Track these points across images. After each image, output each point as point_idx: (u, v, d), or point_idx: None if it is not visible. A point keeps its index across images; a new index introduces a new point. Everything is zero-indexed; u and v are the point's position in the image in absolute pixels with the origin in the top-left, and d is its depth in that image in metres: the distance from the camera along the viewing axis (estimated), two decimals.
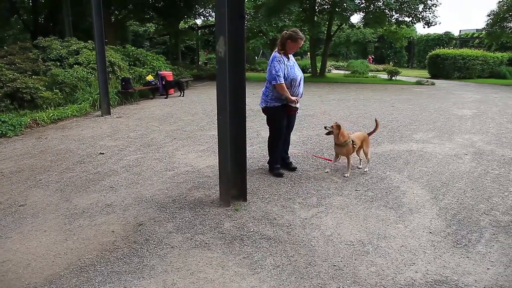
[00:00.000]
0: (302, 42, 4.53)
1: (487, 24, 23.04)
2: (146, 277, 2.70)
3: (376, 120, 5.19)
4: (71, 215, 3.71)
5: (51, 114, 8.53)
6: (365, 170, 4.96)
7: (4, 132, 6.99)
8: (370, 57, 39.87)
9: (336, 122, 4.74)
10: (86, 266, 2.83)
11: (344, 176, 4.75)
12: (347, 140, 4.67)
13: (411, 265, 2.83)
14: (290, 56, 4.63)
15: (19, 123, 7.44)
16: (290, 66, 4.50)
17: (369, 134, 5.13)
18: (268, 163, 5.02)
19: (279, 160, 4.92)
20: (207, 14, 25.34)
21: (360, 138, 4.93)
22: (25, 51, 10.98)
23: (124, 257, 2.95)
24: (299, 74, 4.59)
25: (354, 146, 4.74)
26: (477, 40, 31.99)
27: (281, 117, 4.67)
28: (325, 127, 4.80)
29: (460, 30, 37.26)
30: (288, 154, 5.17)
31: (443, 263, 2.87)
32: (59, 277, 2.70)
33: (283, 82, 4.42)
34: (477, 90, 16.41)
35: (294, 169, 5.04)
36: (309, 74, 25.17)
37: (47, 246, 3.11)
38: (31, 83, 9.02)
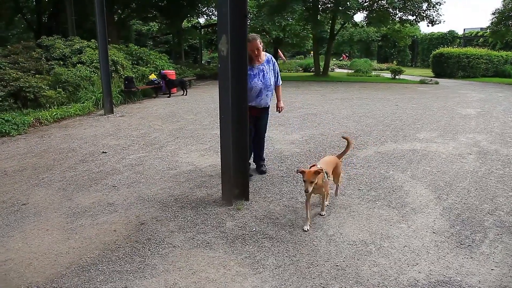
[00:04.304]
0: (253, 46, 4.23)
1: (491, 23, 22.84)
2: (147, 276, 2.69)
3: (347, 139, 4.01)
4: (73, 214, 3.71)
5: (54, 113, 8.56)
6: (335, 195, 4.03)
7: (7, 131, 7.02)
8: (344, 55, 40.77)
9: (315, 170, 3.26)
10: (88, 265, 2.83)
11: (303, 230, 3.38)
12: (323, 178, 3.42)
13: (414, 266, 2.81)
14: (263, 64, 4.45)
15: (22, 122, 7.47)
16: (252, 75, 4.34)
17: (339, 156, 3.97)
18: None
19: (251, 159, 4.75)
20: (210, 13, 25.31)
21: (330, 164, 3.72)
22: (29, 50, 10.99)
23: (126, 256, 2.94)
24: (258, 84, 4.38)
25: (329, 178, 3.63)
26: (481, 39, 31.75)
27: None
28: (297, 171, 3.42)
29: (464, 29, 36.99)
30: (261, 157, 4.95)
31: (447, 263, 2.84)
32: (60, 276, 2.70)
33: None
34: (481, 89, 16.30)
35: (262, 172, 4.86)
36: (312, 73, 25.13)
37: (49, 245, 3.12)
38: (35, 82, 9.05)
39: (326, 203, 3.73)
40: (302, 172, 3.24)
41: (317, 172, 3.20)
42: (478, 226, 3.44)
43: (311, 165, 3.49)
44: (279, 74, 4.72)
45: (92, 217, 3.64)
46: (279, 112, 4.99)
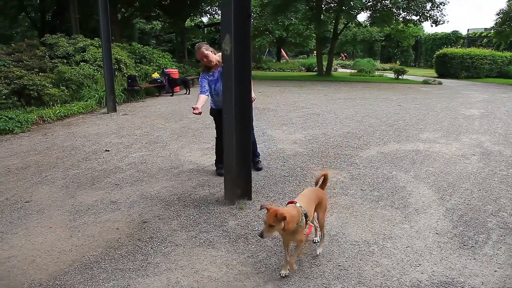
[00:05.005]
0: (199, 55, 4.39)
1: (496, 23, 22.79)
2: (150, 274, 2.70)
3: (324, 176, 3.08)
4: (76, 211, 3.72)
5: (58, 111, 8.58)
6: (318, 252, 2.97)
7: (11, 129, 7.05)
8: (342, 55, 41.19)
9: (277, 211, 2.44)
10: (91, 263, 2.84)
11: (280, 275, 2.69)
12: (298, 222, 2.57)
13: (417, 266, 2.80)
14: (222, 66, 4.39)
15: (26, 119, 7.50)
16: (214, 80, 4.49)
17: (322, 187, 3.10)
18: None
19: (221, 160, 4.62)
20: (213, 12, 25.33)
21: (312, 199, 2.87)
22: (32, 48, 11.03)
23: (129, 255, 2.95)
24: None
25: (309, 222, 2.76)
26: (485, 39, 31.65)
27: (214, 118, 4.72)
28: (261, 207, 2.59)
29: (468, 29, 36.94)
30: (255, 153, 4.96)
31: (450, 264, 2.83)
32: (63, 273, 2.71)
33: (200, 93, 4.49)
34: (485, 90, 16.24)
35: (259, 169, 4.94)
36: (315, 73, 25.10)
37: (52, 243, 3.13)
38: (38, 80, 9.07)
39: (284, 272, 2.68)
40: (267, 210, 2.48)
41: (280, 217, 2.41)
42: (481, 227, 3.43)
43: (288, 201, 2.77)
44: None
45: (95, 215, 3.65)
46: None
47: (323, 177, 3.06)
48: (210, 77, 4.50)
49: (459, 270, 2.76)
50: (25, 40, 12.51)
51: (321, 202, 2.92)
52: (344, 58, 41.34)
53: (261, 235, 2.46)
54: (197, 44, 4.51)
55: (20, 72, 8.97)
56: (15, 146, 6.17)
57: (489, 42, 30.23)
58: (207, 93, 4.51)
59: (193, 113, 4.30)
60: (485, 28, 32.39)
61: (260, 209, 2.47)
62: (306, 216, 2.64)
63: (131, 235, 3.25)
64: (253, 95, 4.91)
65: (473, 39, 33.88)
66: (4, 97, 8.22)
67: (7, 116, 7.33)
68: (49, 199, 4.04)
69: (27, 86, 8.69)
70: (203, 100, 4.44)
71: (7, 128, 7.01)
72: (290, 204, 2.68)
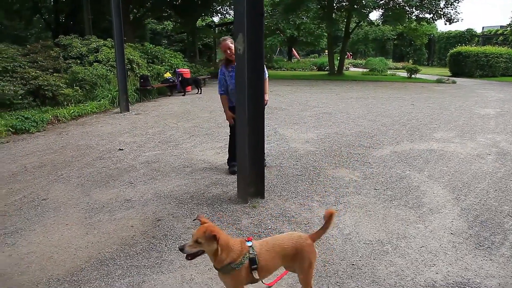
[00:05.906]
0: (223, 46, 4.44)
1: None
2: (164, 271, 2.73)
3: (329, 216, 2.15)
4: (92, 209, 3.78)
5: (72, 110, 8.72)
6: None
7: (27, 128, 7.19)
8: (348, 53, 41.19)
9: (209, 227, 2.00)
10: (106, 259, 2.88)
11: None
12: (235, 262, 2.02)
13: (432, 266, 2.78)
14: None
15: (41, 119, 7.64)
16: (233, 76, 4.37)
17: (313, 237, 2.19)
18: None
19: (234, 158, 4.65)
20: (224, 12, 25.42)
21: (280, 250, 2.12)
22: (47, 49, 11.21)
23: (143, 252, 2.99)
24: None
25: (253, 273, 2.04)
26: (501, 37, 31.05)
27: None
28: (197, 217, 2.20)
29: (483, 27, 36.33)
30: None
31: (465, 265, 2.80)
32: (80, 269, 2.76)
33: (222, 93, 4.60)
34: (500, 89, 15.95)
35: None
36: (326, 72, 24.98)
37: (68, 239, 3.18)
38: (53, 80, 9.24)
39: None
40: (200, 222, 2.09)
41: (208, 234, 1.94)
42: (497, 227, 3.37)
43: (246, 238, 2.16)
44: (264, 68, 4.58)
45: (110, 212, 3.70)
46: None
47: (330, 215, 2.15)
48: (230, 72, 4.51)
49: (475, 270, 2.73)
50: (39, 41, 12.71)
51: (300, 254, 2.11)
52: (350, 56, 41.06)
53: (181, 249, 1.96)
54: (223, 37, 4.57)
55: (35, 72, 9.14)
56: (31, 145, 6.29)
57: (505, 40, 29.65)
58: (225, 92, 4.62)
59: (230, 124, 4.63)
60: (500, 26, 31.81)
61: (194, 220, 1.95)
62: (253, 261, 2.01)
63: (145, 233, 3.29)
64: (266, 97, 4.90)
65: (488, 37, 33.28)
66: (20, 97, 8.39)
67: (23, 116, 7.49)
68: (65, 197, 4.11)
69: (42, 87, 8.86)
70: (227, 103, 4.63)
71: (23, 128, 7.16)
72: (247, 241, 2.09)
